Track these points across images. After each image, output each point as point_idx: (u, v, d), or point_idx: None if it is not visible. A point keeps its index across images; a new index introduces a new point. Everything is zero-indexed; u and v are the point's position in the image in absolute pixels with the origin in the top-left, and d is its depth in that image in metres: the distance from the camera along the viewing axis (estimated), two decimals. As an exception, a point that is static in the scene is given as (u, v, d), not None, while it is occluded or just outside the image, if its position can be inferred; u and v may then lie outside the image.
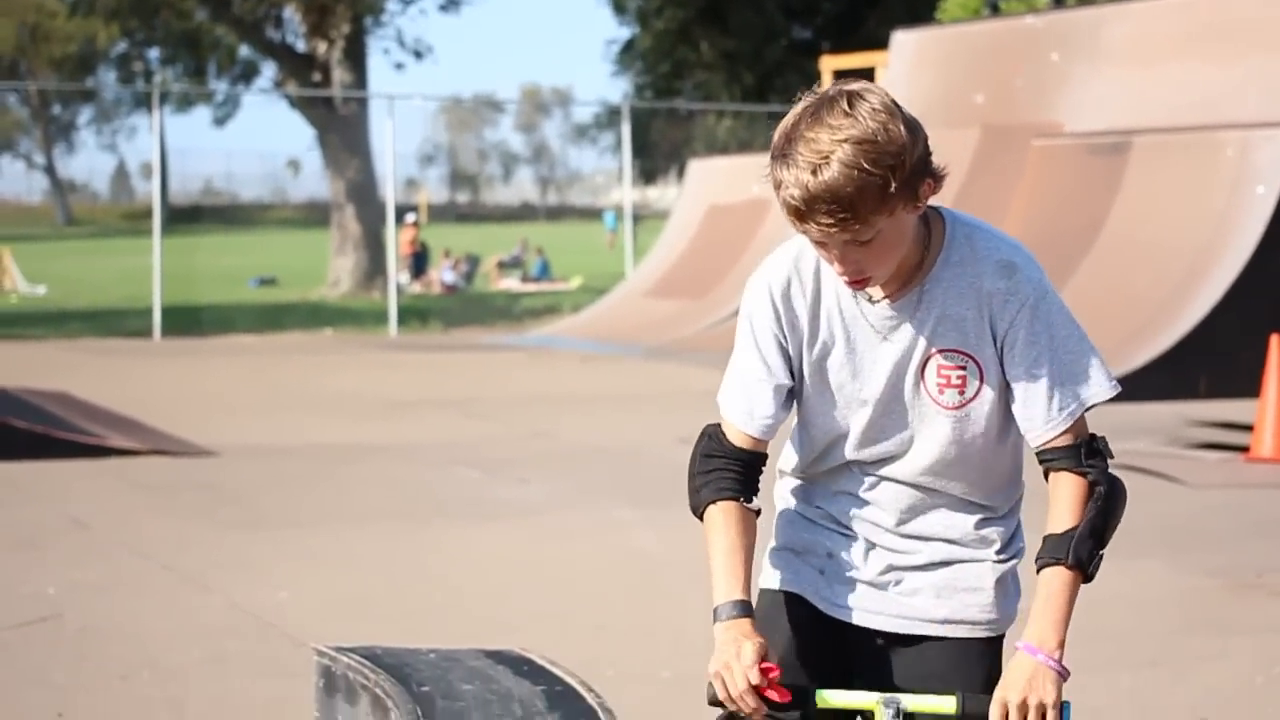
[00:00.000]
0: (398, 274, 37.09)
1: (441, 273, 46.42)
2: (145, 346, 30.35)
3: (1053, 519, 3.85)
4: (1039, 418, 3.86)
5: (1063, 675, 3.71)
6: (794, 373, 3.96)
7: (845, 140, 3.63)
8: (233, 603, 10.05)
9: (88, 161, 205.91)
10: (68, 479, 14.46)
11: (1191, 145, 21.64)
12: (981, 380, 3.89)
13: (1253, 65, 21.87)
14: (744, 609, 3.83)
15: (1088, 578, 3.81)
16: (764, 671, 3.70)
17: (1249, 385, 17.26)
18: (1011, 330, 3.86)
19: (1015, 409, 3.89)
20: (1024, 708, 3.66)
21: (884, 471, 3.96)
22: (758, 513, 3.99)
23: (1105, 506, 3.82)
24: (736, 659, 3.73)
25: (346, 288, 42.19)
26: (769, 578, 4.11)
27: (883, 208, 3.66)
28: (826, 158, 3.63)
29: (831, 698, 3.76)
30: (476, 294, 44.85)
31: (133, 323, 34.02)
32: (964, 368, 3.88)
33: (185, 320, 33.99)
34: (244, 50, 49.66)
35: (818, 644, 4.00)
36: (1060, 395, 3.85)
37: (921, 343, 3.88)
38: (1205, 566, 10.86)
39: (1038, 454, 3.91)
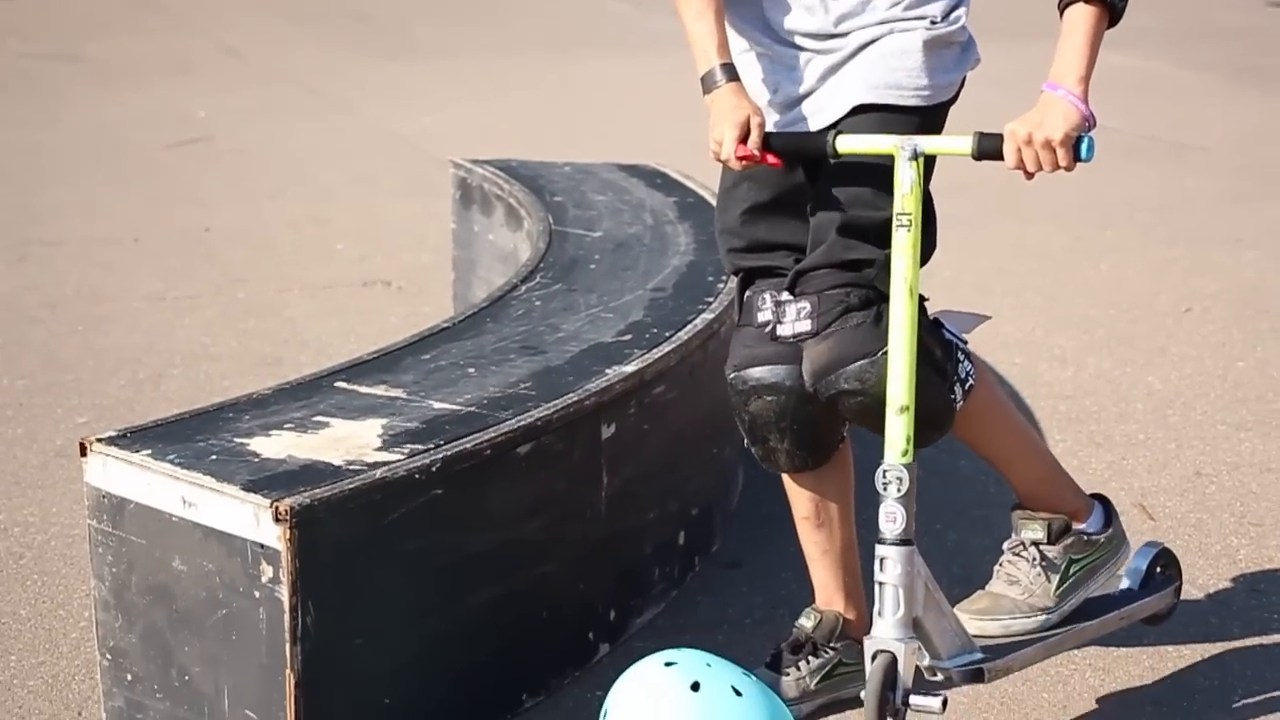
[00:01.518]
0: None
1: None
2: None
3: None
4: None
5: (1082, 112, 3.45)
6: None
7: None
8: (380, 126, 10.14)
9: None
10: (218, 7, 14.52)
11: None
12: None
13: None
14: (729, 72, 3.68)
15: (1113, 12, 3.53)
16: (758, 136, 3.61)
17: None
18: None
19: None
20: (1031, 141, 3.45)
21: None
22: None
23: None
24: (732, 128, 3.60)
25: None
26: None
27: None
28: None
29: (848, 144, 3.58)
30: None
31: None
32: None
33: None
34: None
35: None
36: None
37: None
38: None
39: None
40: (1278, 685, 3.96)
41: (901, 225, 3.51)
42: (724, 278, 4.82)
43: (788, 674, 3.81)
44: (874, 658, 3.45)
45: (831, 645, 3.85)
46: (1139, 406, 5.78)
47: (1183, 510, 4.95)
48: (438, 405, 3.82)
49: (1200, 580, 4.50)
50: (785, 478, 3.84)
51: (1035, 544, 3.87)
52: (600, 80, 11.59)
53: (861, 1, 3.70)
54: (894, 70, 3.68)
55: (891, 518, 3.47)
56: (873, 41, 3.70)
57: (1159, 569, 4.06)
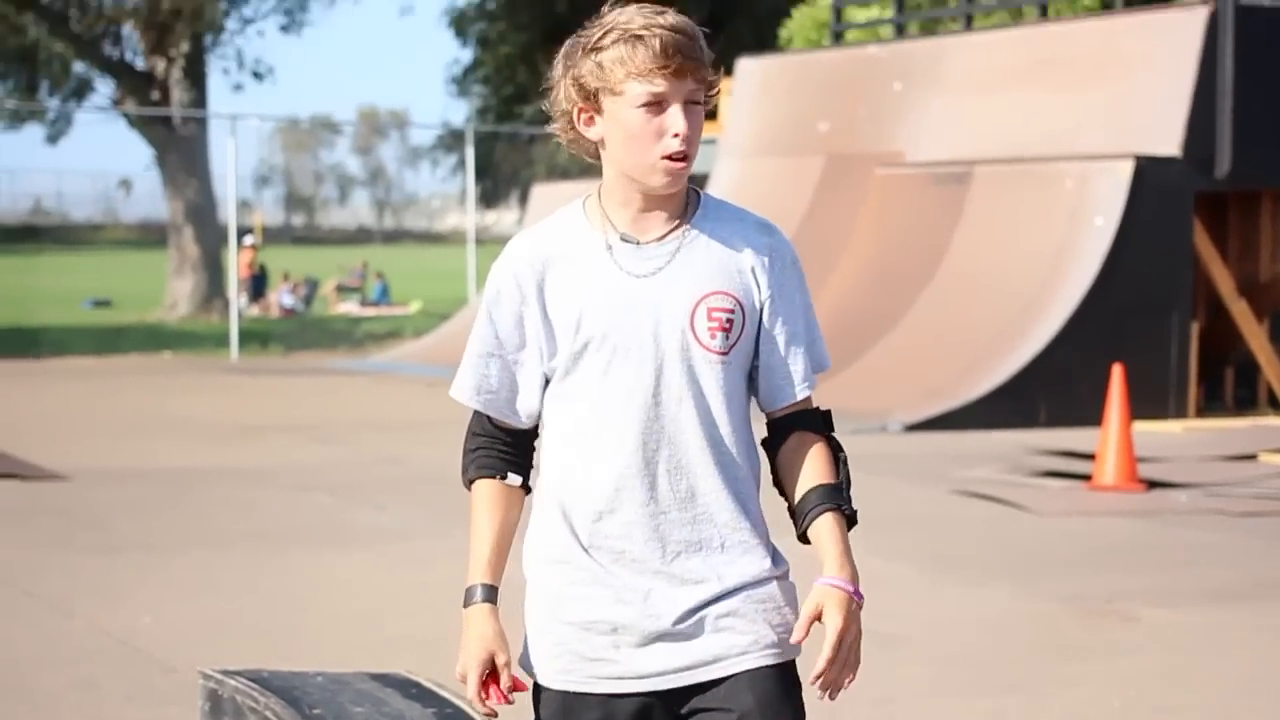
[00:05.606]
0: (237, 296, 36.79)
1: (280, 296, 46.09)
2: (-18, 368, 29.95)
3: (810, 473, 3.83)
4: (796, 375, 3.86)
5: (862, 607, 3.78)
6: (541, 354, 3.86)
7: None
8: (97, 628, 10.01)
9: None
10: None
11: (1031, 176, 21.99)
12: (744, 326, 3.83)
13: (1092, 97, 22.25)
14: (486, 593, 3.84)
15: (850, 520, 3.83)
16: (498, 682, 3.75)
17: (1089, 414, 17.65)
18: (774, 286, 3.83)
19: (767, 365, 3.86)
20: (852, 643, 3.72)
21: (663, 455, 3.79)
22: (525, 488, 3.97)
23: (848, 469, 3.86)
24: (476, 666, 3.77)
25: (184, 310, 41.77)
26: (545, 667, 3.85)
27: (709, 66, 3.76)
28: (663, 12, 3.76)
29: None
30: (316, 318, 44.60)
31: (-33, 344, 33.57)
32: (733, 311, 3.80)
33: (21, 341, 33.57)
34: (78, 67, 48.70)
35: None
36: (810, 357, 3.87)
37: (692, 285, 3.79)
38: (1055, 593, 11.09)
39: (783, 417, 3.89)
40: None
41: None
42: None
43: None
44: None
45: None
46: None
47: None
48: None
49: None
50: None
51: None
52: (313, 575, 11.58)
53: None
54: (775, 628, 3.84)
55: None
56: (737, 590, 3.81)
57: None
